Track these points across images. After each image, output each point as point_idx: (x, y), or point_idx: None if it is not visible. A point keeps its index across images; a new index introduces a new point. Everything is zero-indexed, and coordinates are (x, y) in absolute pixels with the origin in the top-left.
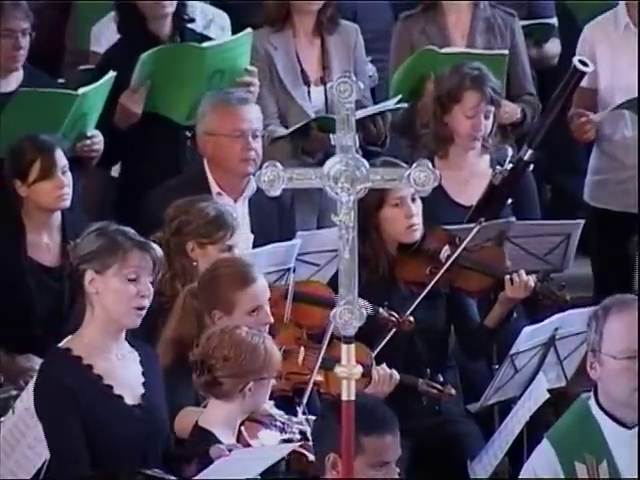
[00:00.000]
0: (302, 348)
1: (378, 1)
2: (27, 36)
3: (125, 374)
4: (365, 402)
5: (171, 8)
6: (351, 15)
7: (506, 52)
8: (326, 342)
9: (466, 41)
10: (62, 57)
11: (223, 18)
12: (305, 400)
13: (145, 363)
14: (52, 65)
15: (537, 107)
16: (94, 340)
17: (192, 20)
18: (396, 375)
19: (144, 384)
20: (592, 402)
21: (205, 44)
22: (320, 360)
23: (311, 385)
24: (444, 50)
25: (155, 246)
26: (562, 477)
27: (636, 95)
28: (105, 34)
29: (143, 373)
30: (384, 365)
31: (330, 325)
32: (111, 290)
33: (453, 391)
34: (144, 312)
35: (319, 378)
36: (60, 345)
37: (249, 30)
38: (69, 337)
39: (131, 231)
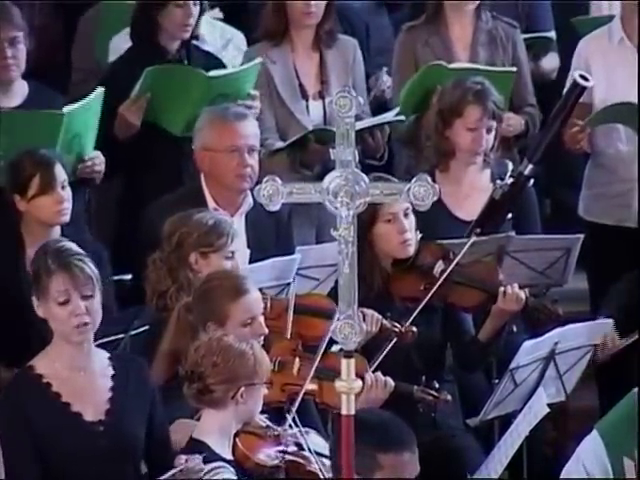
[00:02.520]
0: (297, 359)
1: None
2: (18, 45)
3: (89, 390)
4: (383, 419)
5: (189, 33)
6: (364, 30)
7: (514, 69)
8: (320, 353)
9: (469, 53)
10: (68, 73)
11: (240, 38)
12: (295, 409)
13: (119, 378)
14: (58, 81)
15: (539, 118)
16: (59, 357)
17: (196, 37)
18: (391, 382)
19: (111, 400)
20: None
21: (212, 73)
22: (314, 370)
23: (302, 394)
24: (452, 65)
25: (83, 262)
26: (610, 470)
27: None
28: (125, 47)
29: (112, 388)
30: (378, 372)
31: (325, 336)
32: (50, 315)
33: (449, 397)
34: (90, 326)
35: (314, 387)
36: (28, 363)
37: (259, 60)
38: (39, 354)
39: (64, 248)
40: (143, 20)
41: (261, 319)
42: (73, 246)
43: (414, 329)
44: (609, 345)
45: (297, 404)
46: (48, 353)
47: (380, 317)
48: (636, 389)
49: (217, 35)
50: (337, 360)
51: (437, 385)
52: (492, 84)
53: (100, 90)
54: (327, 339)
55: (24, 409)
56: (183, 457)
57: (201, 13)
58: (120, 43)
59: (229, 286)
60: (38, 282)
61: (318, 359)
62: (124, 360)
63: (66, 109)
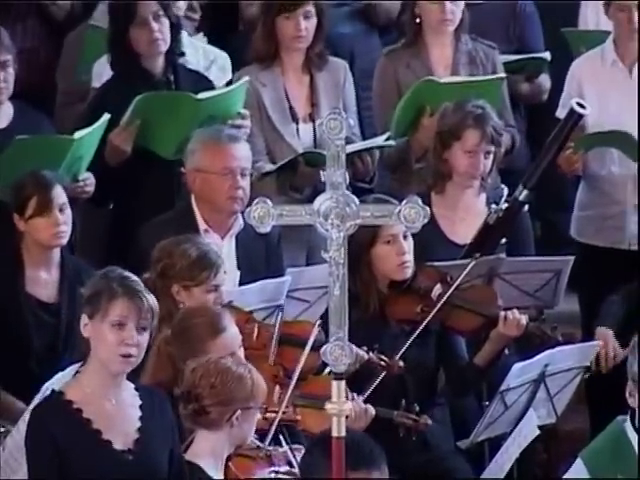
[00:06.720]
0: (277, 386)
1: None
2: (7, 68)
3: (119, 419)
4: (352, 437)
5: (165, 47)
6: (348, 56)
7: (503, 75)
8: (295, 379)
9: (449, 73)
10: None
11: (224, 59)
12: (272, 435)
13: (146, 409)
14: (47, 103)
15: (518, 138)
16: (91, 385)
17: (182, 54)
18: (371, 410)
19: (140, 429)
20: (628, 424)
21: (200, 95)
22: (290, 396)
23: (278, 422)
24: (444, 80)
25: (147, 295)
26: None
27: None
28: (107, 71)
29: (141, 418)
30: (358, 400)
31: (299, 362)
32: (98, 336)
33: (429, 421)
34: (133, 359)
35: (295, 417)
36: (57, 388)
37: (246, 79)
38: (68, 380)
39: (131, 277)
40: (118, 47)
41: (240, 353)
42: (137, 278)
43: (401, 363)
44: (611, 354)
45: (272, 431)
46: (79, 380)
47: (364, 354)
48: (620, 417)
49: (200, 56)
50: (317, 386)
51: (417, 408)
52: (482, 94)
53: (106, 117)
54: (300, 366)
55: (54, 434)
56: None
57: (176, 28)
58: (103, 68)
59: (206, 324)
60: (96, 302)
61: (291, 388)
62: (150, 391)
63: (77, 135)
